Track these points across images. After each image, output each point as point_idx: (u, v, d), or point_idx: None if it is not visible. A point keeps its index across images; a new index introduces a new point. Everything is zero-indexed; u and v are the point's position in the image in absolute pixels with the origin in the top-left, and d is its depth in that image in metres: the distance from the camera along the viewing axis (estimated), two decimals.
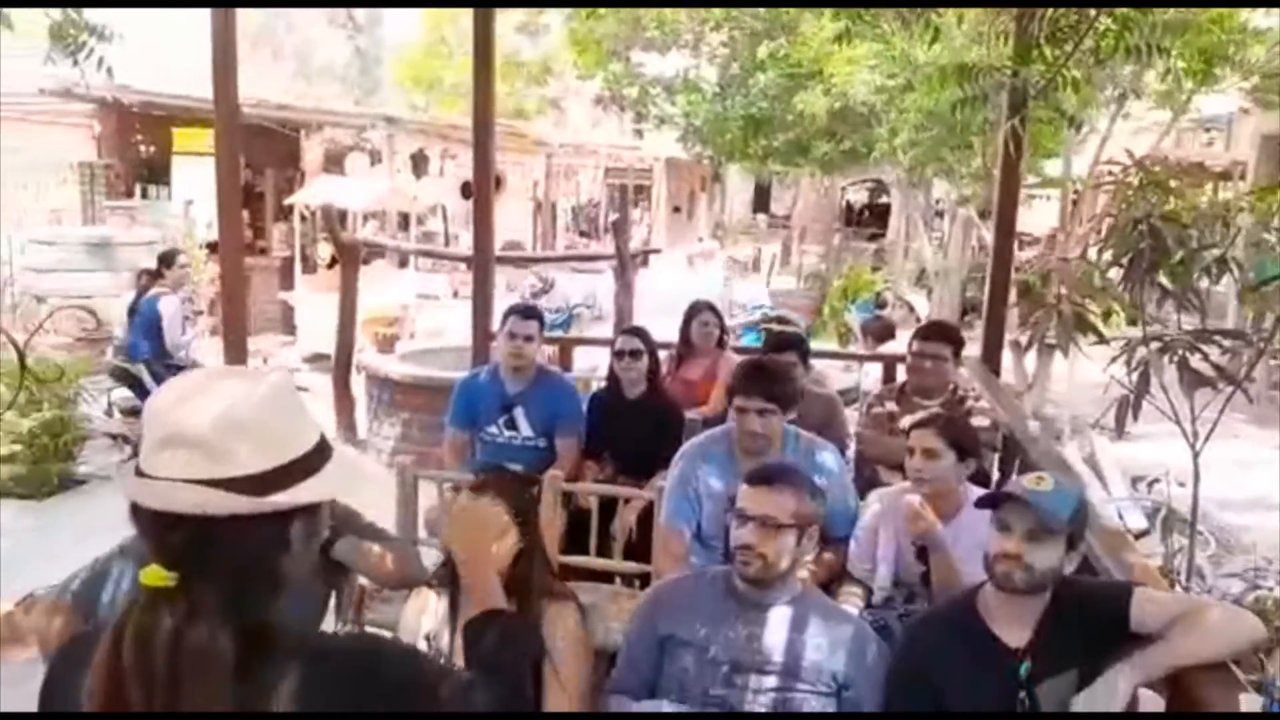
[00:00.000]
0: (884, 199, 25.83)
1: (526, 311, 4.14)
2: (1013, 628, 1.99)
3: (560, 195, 20.88)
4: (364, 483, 1.44)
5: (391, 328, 8.80)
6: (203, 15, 4.75)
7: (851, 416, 4.63)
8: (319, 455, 1.18)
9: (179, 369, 6.26)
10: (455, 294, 10.83)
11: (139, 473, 1.10)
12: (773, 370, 2.97)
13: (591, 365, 6.30)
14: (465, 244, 12.00)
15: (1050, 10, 3.99)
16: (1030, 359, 8.55)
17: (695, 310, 4.88)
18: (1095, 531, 2.50)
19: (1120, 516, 5.68)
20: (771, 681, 2.05)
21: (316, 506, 1.19)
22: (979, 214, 11.13)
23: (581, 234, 21.51)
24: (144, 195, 11.72)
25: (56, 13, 5.18)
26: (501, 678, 1.40)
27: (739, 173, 25.53)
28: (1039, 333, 3.84)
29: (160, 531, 1.09)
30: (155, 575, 1.08)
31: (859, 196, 29.47)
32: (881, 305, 11.80)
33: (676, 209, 25.83)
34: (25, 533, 5.13)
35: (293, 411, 1.18)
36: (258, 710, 1.08)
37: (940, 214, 19.04)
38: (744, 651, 2.07)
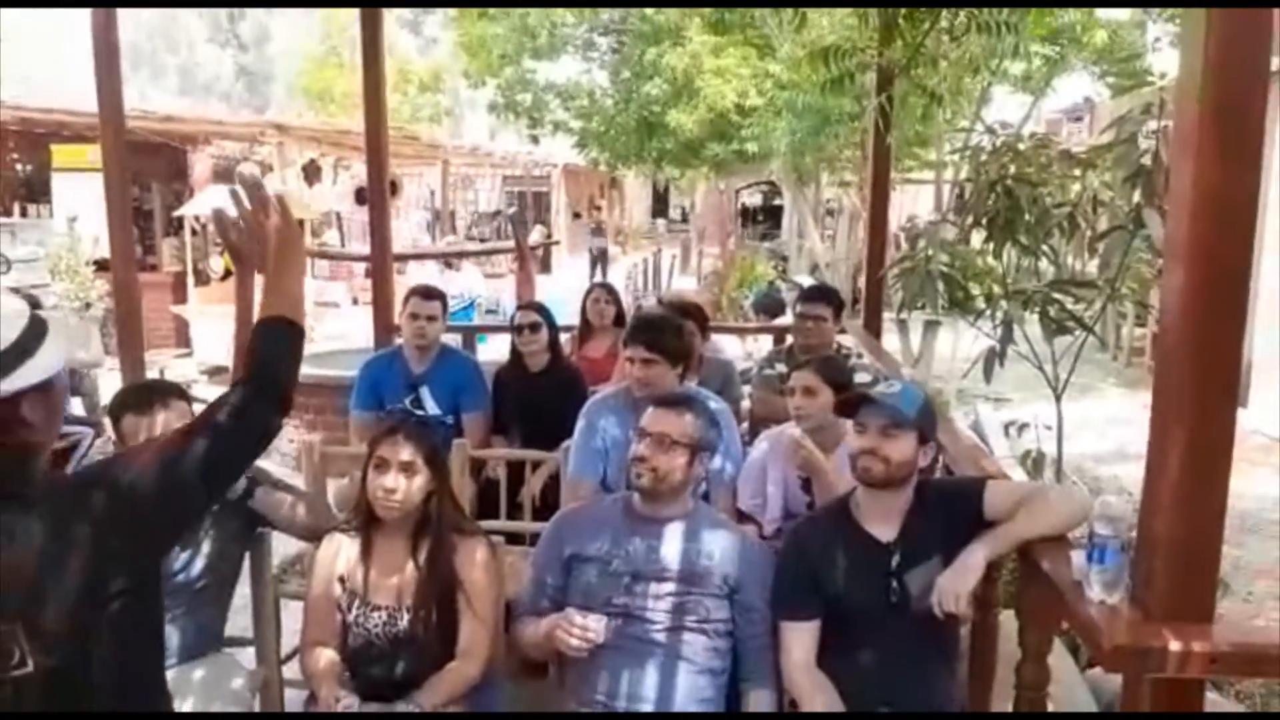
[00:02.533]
0: (777, 200, 26.54)
1: (428, 292, 4.21)
2: (882, 524, 2.21)
3: (459, 204, 20.82)
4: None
5: None
6: (76, 28, 4.67)
7: (746, 392, 4.86)
8: (31, 339, 1.30)
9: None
10: (355, 301, 10.76)
11: None
12: (658, 322, 3.14)
13: (496, 358, 6.39)
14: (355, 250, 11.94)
15: None
16: (915, 337, 9.00)
17: (590, 289, 5.05)
18: (956, 446, 2.77)
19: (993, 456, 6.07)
20: (669, 588, 2.22)
21: (45, 387, 1.31)
22: (863, 204, 11.61)
23: (481, 241, 21.47)
24: (24, 213, 11.30)
25: None
26: (272, 371, 1.48)
27: (636, 178, 25.91)
28: (911, 294, 4.13)
29: None
30: None
31: (753, 200, 30.20)
32: (773, 289, 12.23)
33: (577, 215, 26.02)
34: None
35: None
36: (10, 545, 1.22)
37: (830, 212, 19.73)
38: (643, 562, 2.24)
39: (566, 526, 2.38)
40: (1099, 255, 4.45)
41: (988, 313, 4.20)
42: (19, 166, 12.22)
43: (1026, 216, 4.07)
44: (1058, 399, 4.23)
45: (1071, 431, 4.44)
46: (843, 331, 4.09)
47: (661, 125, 14.20)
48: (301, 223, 11.73)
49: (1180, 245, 1.66)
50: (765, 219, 28.00)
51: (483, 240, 20.60)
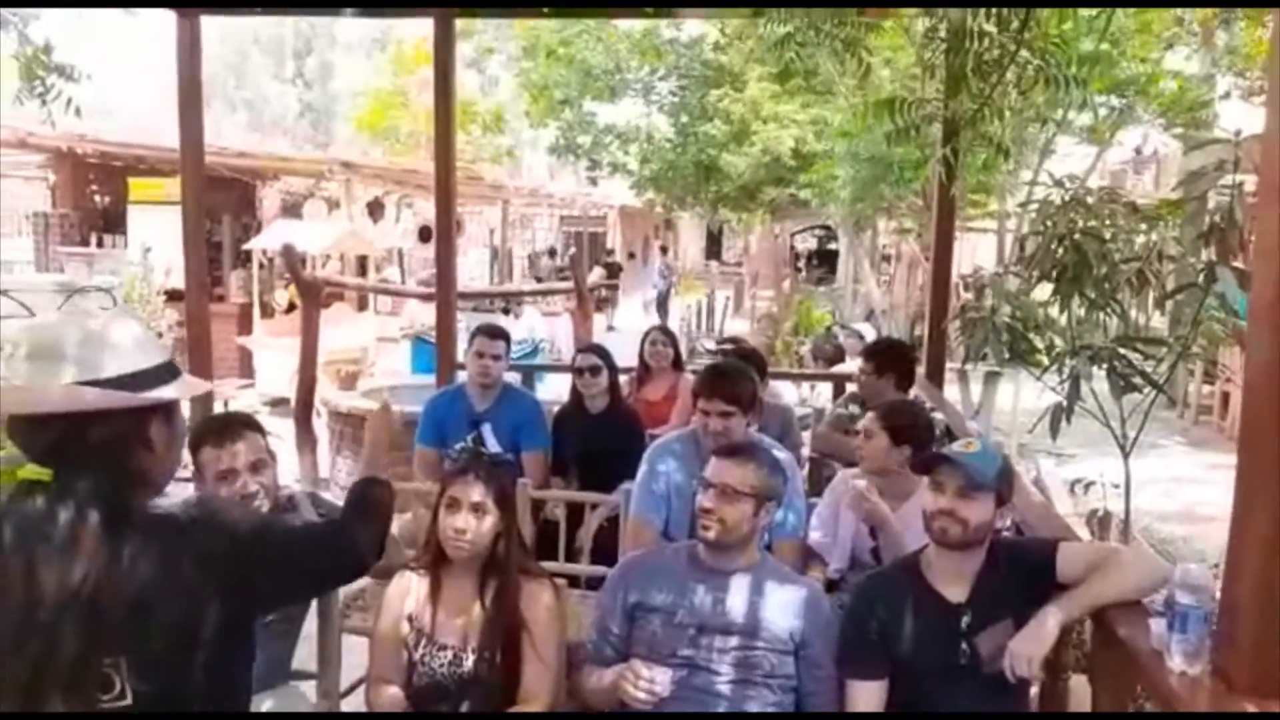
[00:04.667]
0: (832, 245, 26.51)
1: (493, 331, 4.29)
2: (953, 584, 2.18)
3: (516, 242, 21.13)
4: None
5: (353, 367, 8.88)
6: (155, 64, 4.88)
7: (806, 438, 4.85)
8: (170, 369, 1.39)
9: None
10: (416, 339, 10.91)
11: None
12: (733, 373, 3.16)
13: (556, 396, 6.45)
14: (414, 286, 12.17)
15: (975, 45, 4.30)
16: (976, 388, 8.87)
17: (648, 333, 5.10)
18: (1026, 504, 2.73)
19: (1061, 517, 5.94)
20: (734, 641, 2.21)
21: (172, 413, 1.40)
22: (922, 251, 11.57)
23: (537, 279, 21.75)
24: (99, 244, 11.72)
25: (25, 51, 5.31)
26: (366, 519, 1.65)
27: (691, 220, 26.07)
28: (975, 345, 4.09)
29: (34, 432, 1.28)
30: (31, 471, 1.27)
31: (808, 243, 30.19)
32: (831, 335, 12.17)
33: (631, 255, 26.22)
34: None
35: (142, 336, 1.40)
36: (120, 575, 1.26)
37: (887, 258, 19.64)
38: (709, 615, 2.24)
39: (631, 574, 2.39)
40: (1168, 312, 4.39)
41: (1053, 368, 4.15)
42: (97, 198, 12.69)
43: (1094, 271, 4.03)
44: (1125, 457, 4.15)
45: (1137, 489, 4.34)
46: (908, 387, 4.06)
47: (718, 169, 14.32)
48: (364, 259, 12.05)
49: (1267, 304, 1.63)
50: (820, 263, 27.94)
51: (539, 279, 20.88)
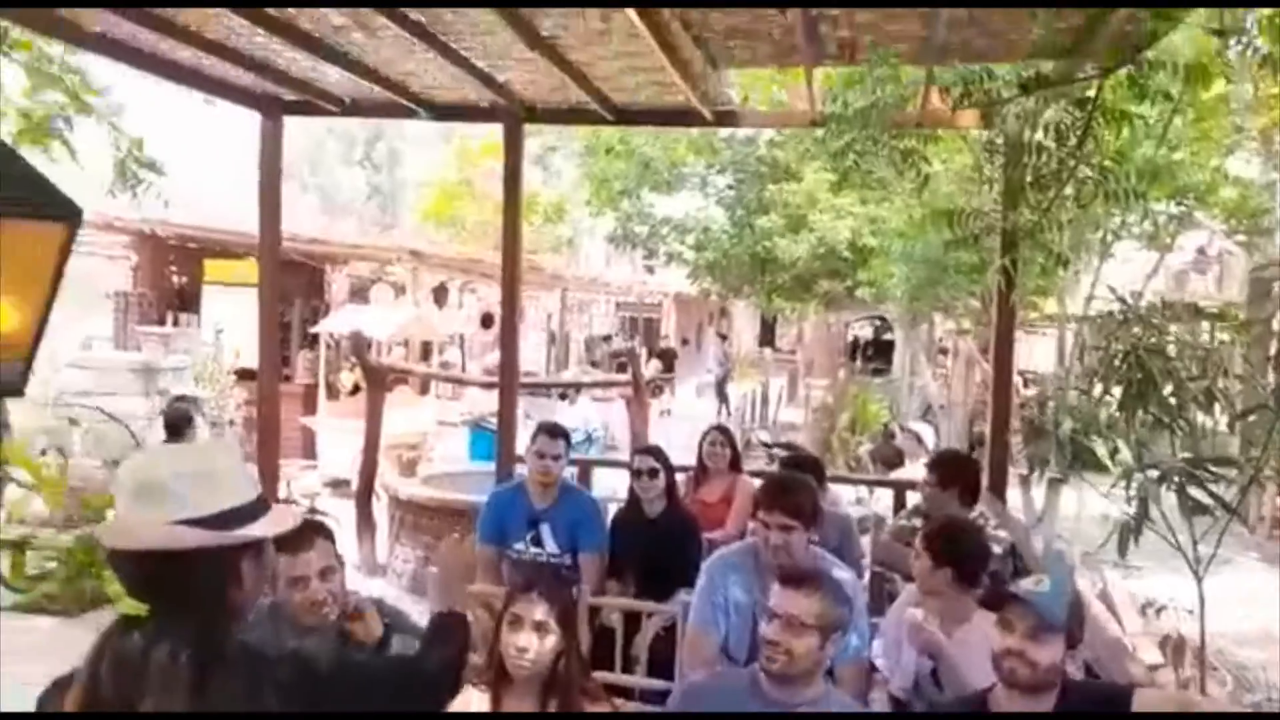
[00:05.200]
0: (888, 335, 26.38)
1: (554, 430, 4.34)
2: None
3: (573, 327, 21.43)
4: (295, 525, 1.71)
5: (413, 452, 9.01)
6: (230, 152, 5.20)
7: (864, 544, 4.80)
8: (260, 505, 1.46)
9: None
10: (475, 425, 11.07)
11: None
12: (794, 487, 3.16)
13: (610, 488, 6.48)
14: (476, 372, 12.39)
15: (1034, 159, 4.36)
16: (1039, 493, 8.69)
17: (706, 433, 5.12)
18: (1099, 639, 2.67)
19: (1133, 650, 5.73)
20: None
21: (261, 548, 1.47)
22: (980, 350, 11.50)
23: (593, 364, 21.98)
24: (175, 323, 12.17)
25: (120, 148, 5.66)
26: (442, 654, 1.72)
27: (745, 307, 26.23)
28: (1039, 459, 4.05)
29: (133, 568, 1.36)
30: (129, 606, 1.34)
31: (863, 332, 30.06)
32: (889, 436, 12.02)
33: (685, 341, 26.40)
34: (62, 648, 5.20)
35: (237, 469, 1.48)
36: (210, 710, 1.31)
37: (944, 350, 19.47)
38: None
39: (691, 701, 2.38)
40: (1239, 432, 4.31)
41: (1121, 484, 4.09)
42: (174, 278, 13.23)
43: (1159, 388, 3.99)
44: (1199, 580, 4.03)
45: (1209, 608, 4.19)
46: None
47: (774, 259, 14.44)
48: (428, 344, 12.31)
49: None
50: (876, 353, 27.79)
51: (594, 364, 21.10)
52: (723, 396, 20.47)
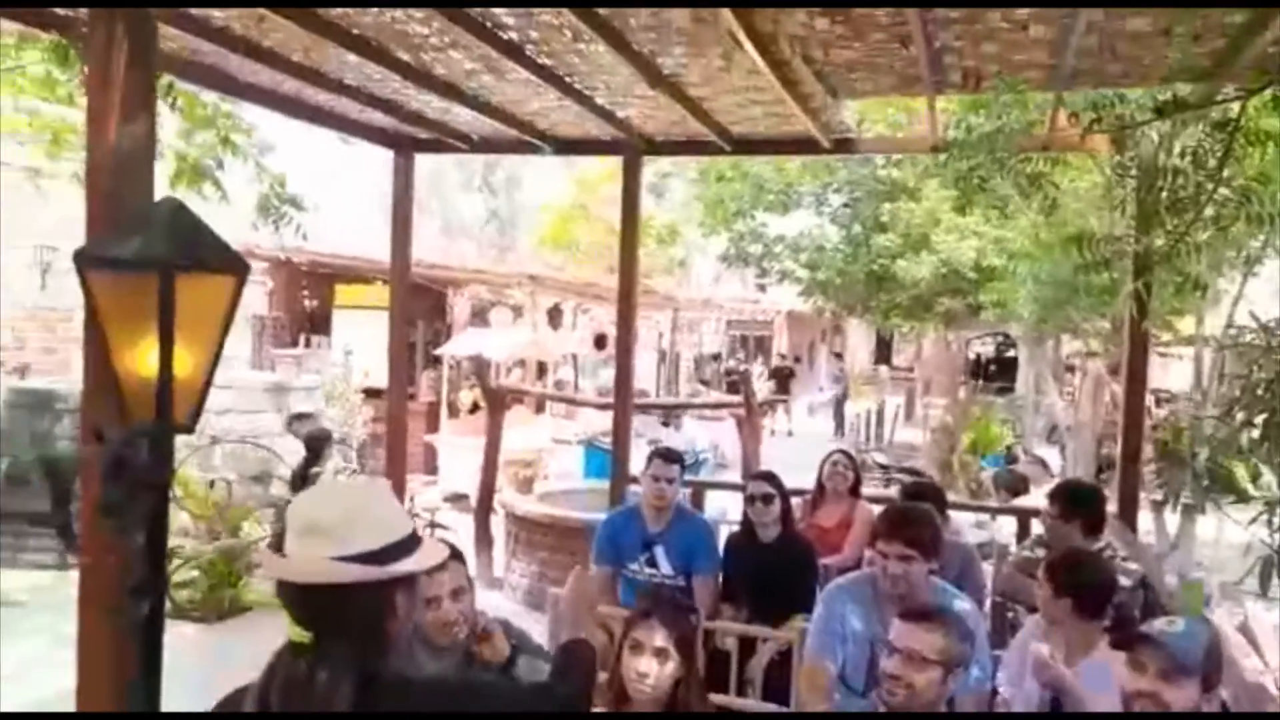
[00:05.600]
0: (1010, 352, 25.55)
1: (669, 455, 4.41)
2: None
3: (684, 346, 21.53)
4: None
5: (529, 470, 9.25)
6: (363, 183, 5.55)
7: (986, 571, 4.69)
8: (413, 541, 1.57)
9: None
10: (589, 443, 11.28)
11: (281, 555, 1.52)
12: (915, 517, 3.13)
13: (720, 509, 6.51)
14: (585, 391, 12.64)
15: (1170, 181, 4.22)
16: (1173, 520, 8.29)
17: (830, 455, 5.10)
18: (1239, 683, 2.57)
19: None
20: None
21: (414, 581, 1.58)
22: (1109, 370, 11.05)
23: (703, 382, 22.03)
24: (307, 344, 12.82)
25: (264, 185, 6.07)
26: (572, 683, 1.80)
27: (860, 324, 25.83)
28: (1173, 489, 3.89)
29: (300, 599, 1.48)
30: (296, 634, 1.47)
31: (985, 349, 29.19)
32: (1012, 460, 11.63)
33: (798, 359, 26.15)
34: (207, 653, 5.58)
35: (392, 508, 1.60)
36: None
37: (1071, 369, 18.73)
38: None
39: None
40: None
41: (1261, 518, 3.90)
42: (307, 302, 13.94)
43: None
44: None
45: None
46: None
47: (891, 278, 14.24)
48: (543, 365, 12.60)
49: None
50: (998, 372, 26.95)
51: (703, 382, 21.15)
52: (840, 417, 20.27)
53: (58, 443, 6.99)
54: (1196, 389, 8.46)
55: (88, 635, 2.23)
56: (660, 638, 2.43)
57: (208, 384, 1.85)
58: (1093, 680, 2.58)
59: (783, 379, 20.42)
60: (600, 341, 15.24)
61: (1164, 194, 4.30)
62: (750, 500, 4.31)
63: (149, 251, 1.68)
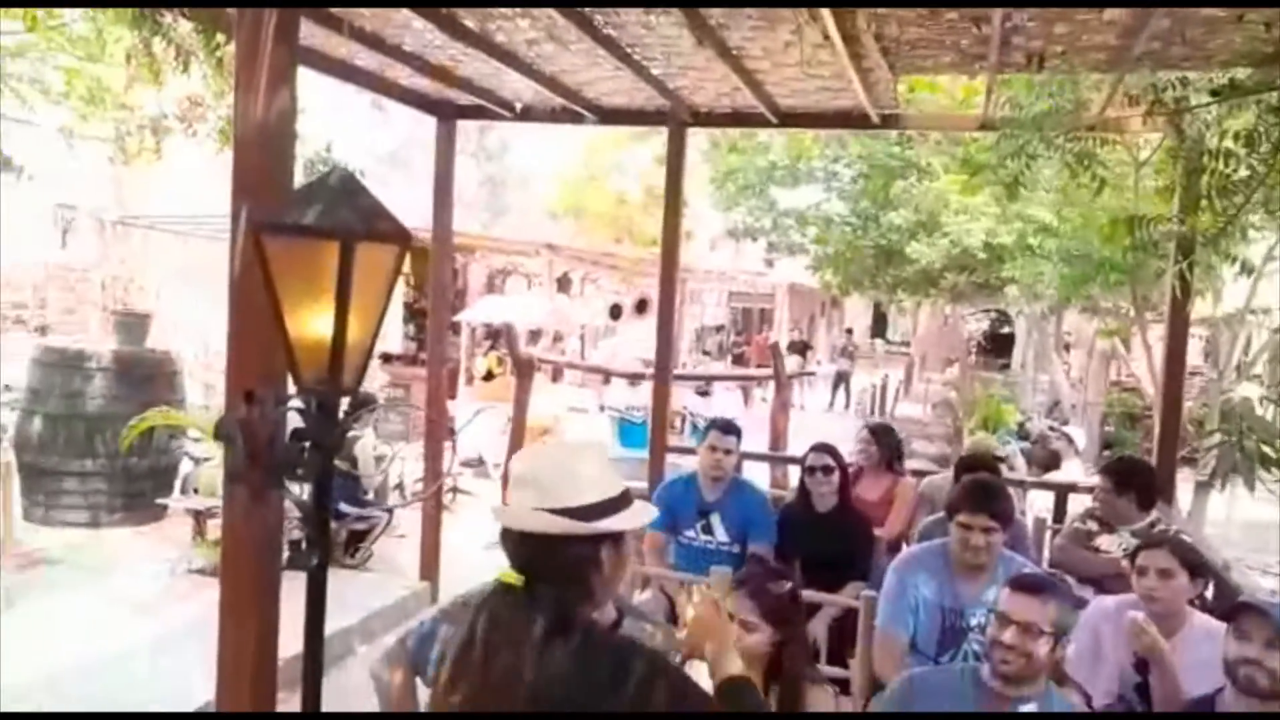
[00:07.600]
0: (1006, 329, 25.71)
1: (727, 427, 4.50)
2: None
3: (686, 317, 21.57)
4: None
5: (547, 436, 9.35)
6: (383, 149, 5.53)
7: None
8: (623, 500, 1.64)
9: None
10: (602, 408, 11.37)
11: (505, 504, 1.63)
12: (996, 490, 3.23)
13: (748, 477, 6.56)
14: (594, 360, 12.69)
15: (1220, 165, 4.27)
16: (1184, 497, 8.44)
17: (858, 431, 5.21)
18: None
19: None
20: None
21: (620, 537, 1.64)
22: (1123, 343, 11.18)
23: (704, 354, 22.09)
24: None
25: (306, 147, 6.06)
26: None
27: (856, 298, 25.90)
28: (1224, 467, 3.99)
29: (516, 545, 1.58)
30: (509, 576, 1.57)
31: (980, 325, 29.35)
32: (1025, 436, 11.77)
33: (797, 332, 26.25)
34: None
35: (603, 467, 1.67)
36: (547, 676, 1.49)
37: (1069, 346, 18.87)
38: None
39: (917, 694, 2.48)
40: None
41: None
42: None
43: None
44: None
45: None
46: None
47: (900, 254, 14.30)
48: (559, 335, 12.64)
49: None
50: (994, 348, 27.13)
51: (705, 354, 21.21)
52: (847, 393, 20.42)
53: (89, 401, 7.00)
54: (1213, 367, 8.58)
55: (230, 591, 2.30)
56: (746, 609, 2.52)
57: (370, 349, 1.90)
58: (1184, 653, 2.67)
59: (800, 353, 20.54)
60: (616, 311, 15.27)
61: (1215, 176, 4.36)
62: (810, 471, 4.39)
63: (330, 220, 1.73)
